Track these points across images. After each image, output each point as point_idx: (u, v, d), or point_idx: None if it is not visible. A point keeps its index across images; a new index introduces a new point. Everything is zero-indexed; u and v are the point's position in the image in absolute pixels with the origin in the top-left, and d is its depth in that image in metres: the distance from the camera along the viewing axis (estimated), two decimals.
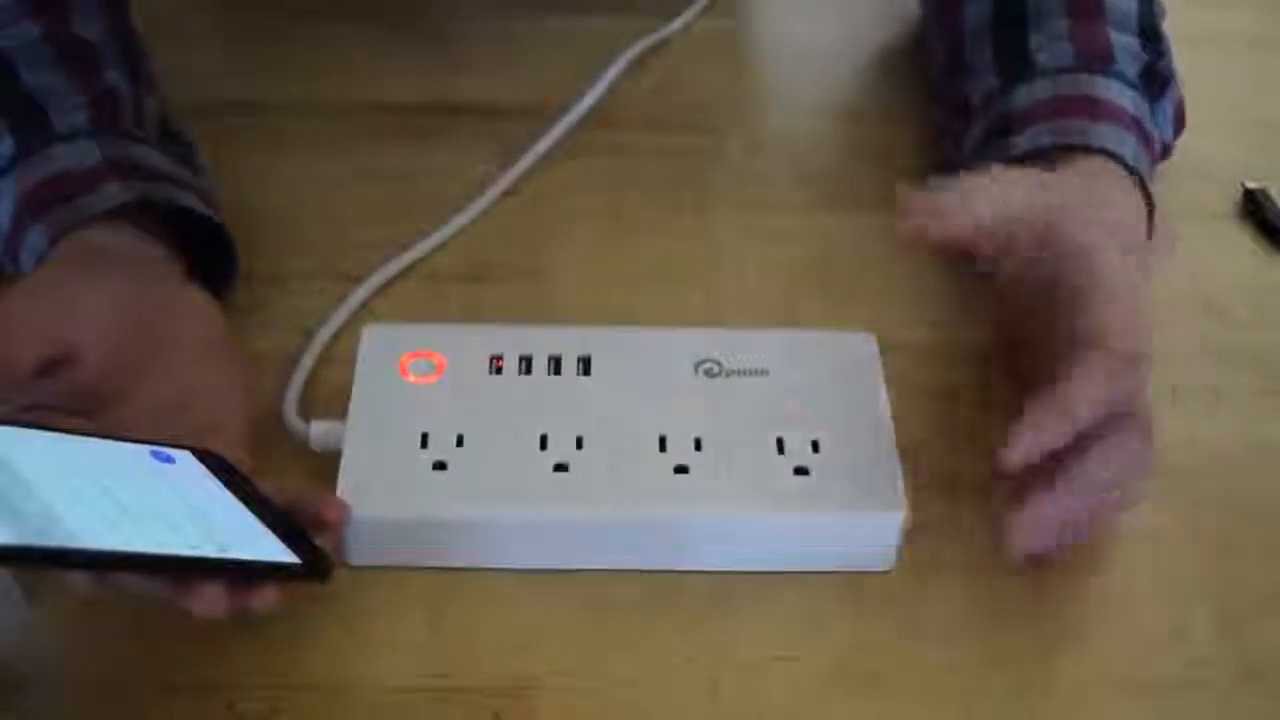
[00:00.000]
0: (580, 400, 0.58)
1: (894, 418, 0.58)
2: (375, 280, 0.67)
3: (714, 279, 0.69)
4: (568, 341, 0.60)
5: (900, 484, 0.56)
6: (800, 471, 0.56)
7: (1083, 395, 0.53)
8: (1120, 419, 0.54)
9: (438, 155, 0.75)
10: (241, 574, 0.49)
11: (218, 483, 0.51)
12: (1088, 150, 0.63)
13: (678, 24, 0.83)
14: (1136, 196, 0.63)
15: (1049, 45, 0.67)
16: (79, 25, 0.64)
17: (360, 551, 0.56)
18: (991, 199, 0.58)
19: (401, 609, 0.55)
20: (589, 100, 0.76)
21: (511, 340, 0.60)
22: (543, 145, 0.74)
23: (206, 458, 0.52)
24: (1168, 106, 0.69)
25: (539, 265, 0.69)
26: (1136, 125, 0.65)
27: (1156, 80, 0.68)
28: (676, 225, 0.72)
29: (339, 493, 0.55)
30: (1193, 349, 0.66)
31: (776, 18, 0.85)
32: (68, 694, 0.53)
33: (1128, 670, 0.54)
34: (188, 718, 0.52)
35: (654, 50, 0.81)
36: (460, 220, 0.71)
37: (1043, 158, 0.63)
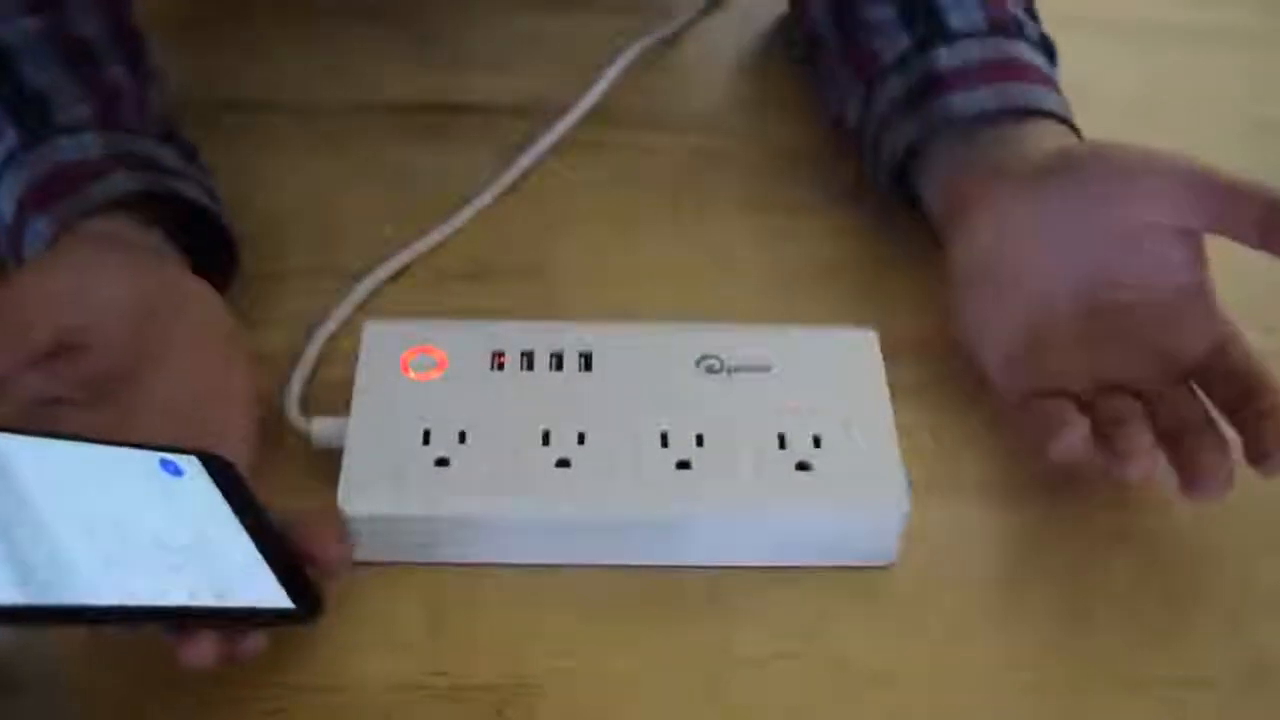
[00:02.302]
0: (582, 396, 0.58)
1: (895, 415, 0.58)
2: (375, 279, 0.67)
3: (715, 277, 0.69)
4: (569, 338, 0.60)
5: (902, 479, 0.56)
6: (802, 467, 0.56)
7: None
8: None
9: (438, 155, 0.75)
10: (233, 619, 0.49)
11: (221, 499, 0.51)
12: (1036, 114, 0.64)
13: (678, 24, 0.83)
14: None
15: (958, 9, 0.68)
16: (78, 21, 0.64)
17: (362, 548, 0.55)
18: None
19: (402, 607, 0.55)
20: (589, 100, 0.76)
21: (513, 336, 0.60)
22: (543, 144, 0.74)
23: (213, 465, 0.52)
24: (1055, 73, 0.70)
25: (539, 264, 0.69)
26: (1057, 88, 0.67)
27: (1048, 51, 0.70)
28: (677, 223, 0.72)
29: (340, 490, 0.55)
30: None
31: (776, 18, 0.85)
32: (67, 694, 0.53)
33: (1128, 670, 0.54)
34: (188, 717, 0.52)
35: (654, 50, 0.81)
36: (460, 219, 0.71)
37: (986, 120, 0.65)
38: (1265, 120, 0.80)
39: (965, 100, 0.65)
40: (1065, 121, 0.65)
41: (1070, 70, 0.76)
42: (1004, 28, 0.68)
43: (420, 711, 0.52)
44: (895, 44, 0.69)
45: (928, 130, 0.66)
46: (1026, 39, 0.68)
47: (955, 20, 0.68)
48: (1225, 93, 0.81)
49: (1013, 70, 0.66)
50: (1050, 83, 0.67)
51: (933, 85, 0.67)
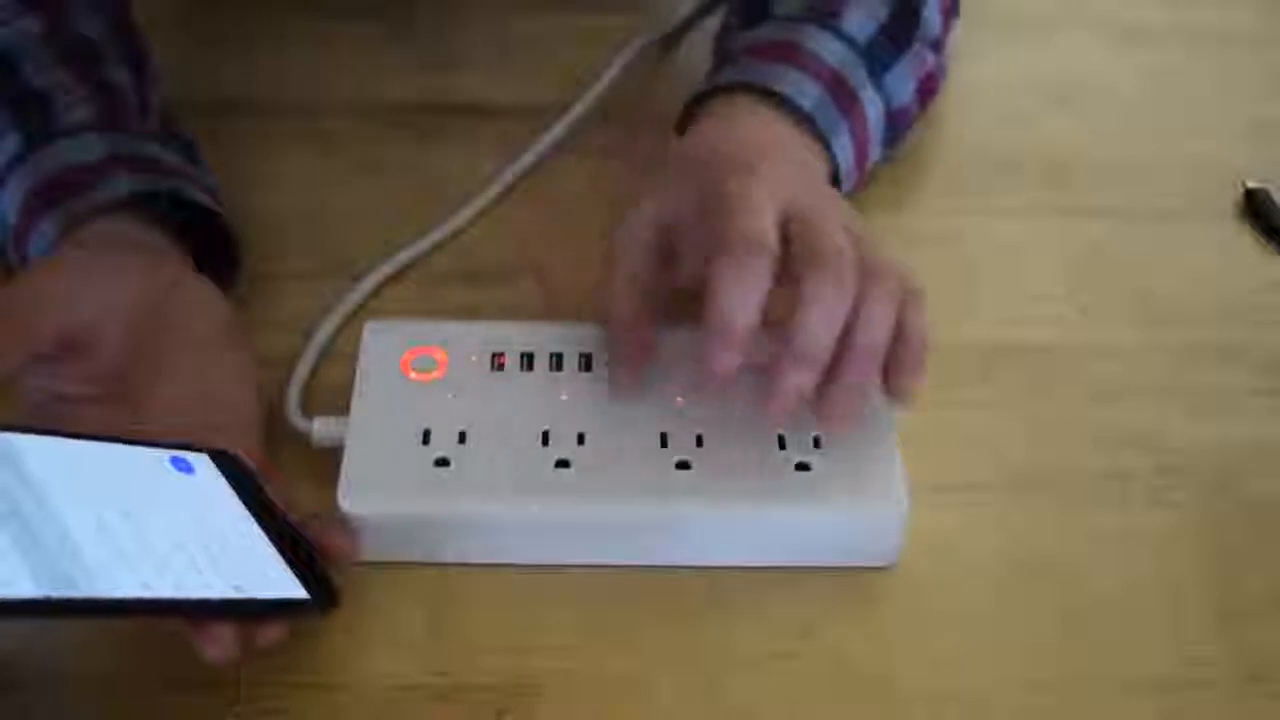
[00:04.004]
0: (582, 397, 0.58)
1: (895, 415, 0.58)
2: (375, 279, 0.67)
3: None
4: (569, 338, 0.60)
5: (902, 480, 0.56)
6: (801, 468, 0.56)
7: (813, 325, 0.53)
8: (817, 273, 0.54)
9: (437, 155, 0.75)
10: (250, 610, 0.49)
11: (233, 495, 0.51)
12: (750, 89, 0.65)
13: (678, 24, 0.83)
14: (800, 141, 0.65)
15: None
16: (78, 22, 0.64)
17: (361, 548, 0.55)
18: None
19: (402, 606, 0.55)
20: (589, 100, 0.76)
21: (513, 337, 0.60)
22: (543, 144, 0.74)
23: (224, 462, 0.52)
24: (903, 71, 0.70)
25: (539, 264, 0.69)
26: (834, 79, 0.66)
27: (897, 40, 0.69)
28: None
29: (340, 490, 0.55)
30: (1193, 349, 0.66)
31: None
32: (67, 692, 0.53)
33: (1128, 670, 0.54)
34: (188, 715, 0.52)
35: (654, 50, 0.81)
36: (460, 219, 0.71)
37: (724, 94, 0.65)
38: (1265, 120, 0.80)
39: (723, 75, 0.66)
40: (788, 102, 0.64)
41: (1070, 70, 0.77)
42: (821, 15, 0.68)
43: (420, 711, 0.52)
44: (727, 32, 0.71)
45: (694, 101, 0.67)
46: (833, 28, 0.67)
47: (777, 7, 0.69)
48: (1225, 93, 0.81)
49: (778, 51, 0.66)
50: (816, 69, 0.66)
51: (719, 64, 0.69)
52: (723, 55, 0.70)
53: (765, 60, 0.66)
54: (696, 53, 0.82)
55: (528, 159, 0.74)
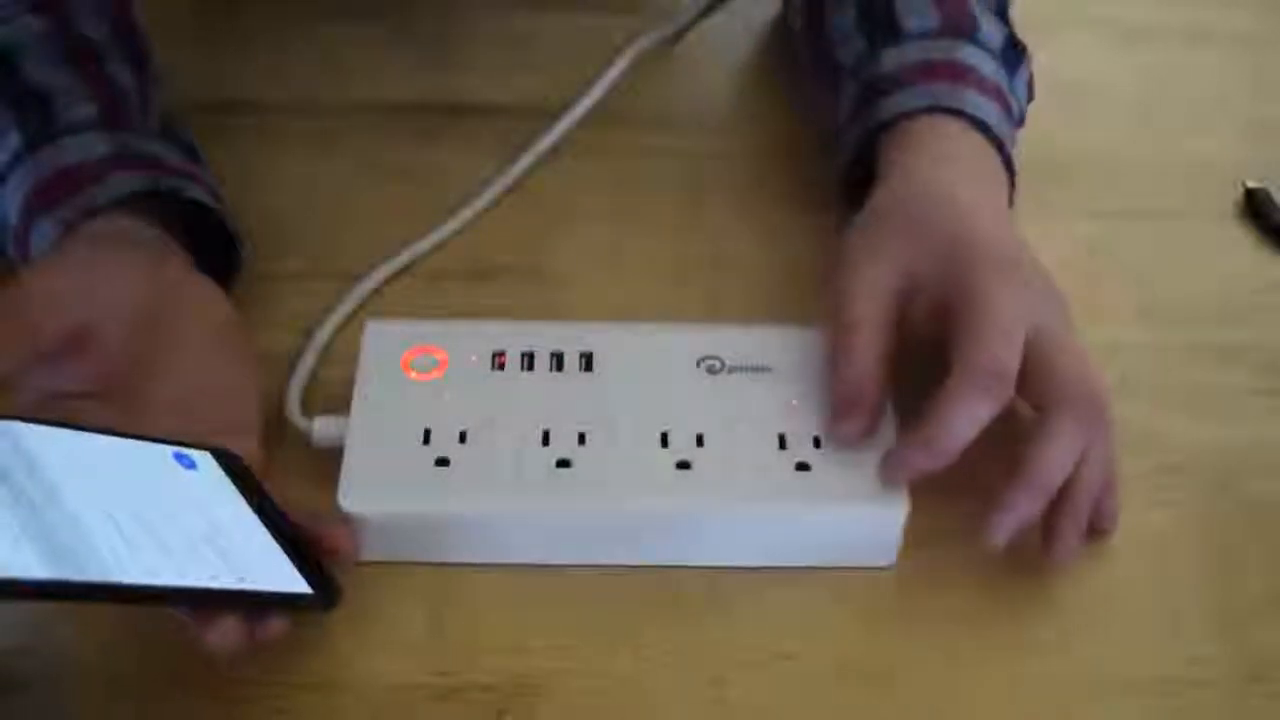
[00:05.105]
0: (582, 396, 0.58)
1: (894, 415, 0.58)
2: (375, 279, 0.67)
3: (715, 276, 0.69)
4: (570, 338, 0.60)
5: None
6: (802, 468, 0.56)
7: (1054, 461, 0.55)
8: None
9: (438, 155, 0.75)
10: (254, 602, 0.49)
11: (235, 491, 0.51)
12: (952, 113, 0.64)
13: (678, 24, 0.82)
14: (994, 161, 0.65)
15: (916, 12, 0.68)
16: (81, 22, 0.64)
17: (362, 548, 0.55)
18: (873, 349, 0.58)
19: (403, 606, 0.55)
20: (589, 99, 0.76)
21: (514, 336, 0.60)
22: (543, 144, 0.74)
23: (225, 460, 0.52)
24: (1022, 78, 0.70)
25: (540, 264, 0.69)
26: (998, 93, 0.66)
27: (1014, 52, 0.70)
28: (678, 223, 0.72)
29: (340, 490, 0.55)
30: (1193, 348, 0.66)
31: (773, 18, 0.85)
32: (69, 692, 0.53)
33: (1128, 670, 0.54)
34: (188, 715, 0.52)
35: (654, 50, 0.81)
36: (460, 219, 0.71)
37: (910, 120, 0.65)
38: (1265, 120, 0.80)
39: (895, 103, 0.65)
40: (979, 124, 0.65)
41: (1070, 70, 0.77)
42: (958, 29, 0.67)
43: (420, 711, 0.52)
44: (854, 49, 0.69)
45: (866, 136, 0.66)
46: (979, 43, 0.67)
47: (908, 22, 0.68)
48: (1225, 93, 0.81)
49: (948, 71, 0.66)
50: (986, 86, 0.66)
51: (874, 89, 0.67)
52: (858, 77, 0.68)
53: (941, 81, 0.65)
54: (696, 53, 0.82)
55: (528, 158, 0.74)
